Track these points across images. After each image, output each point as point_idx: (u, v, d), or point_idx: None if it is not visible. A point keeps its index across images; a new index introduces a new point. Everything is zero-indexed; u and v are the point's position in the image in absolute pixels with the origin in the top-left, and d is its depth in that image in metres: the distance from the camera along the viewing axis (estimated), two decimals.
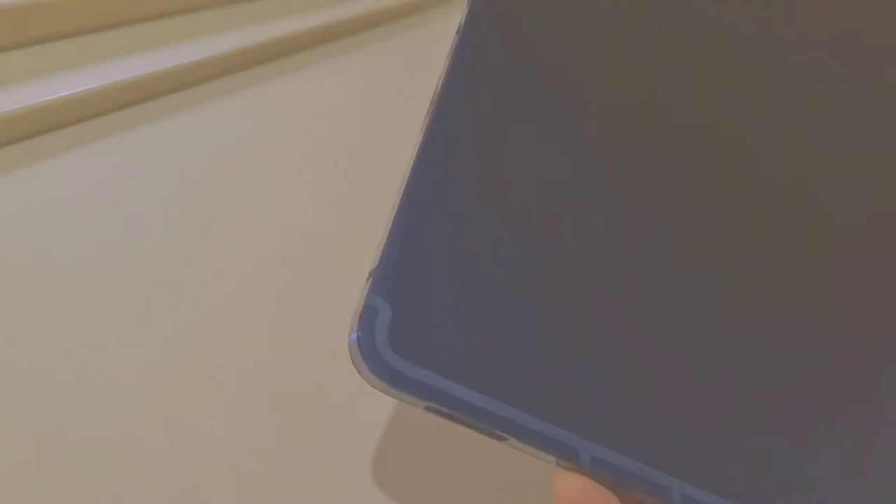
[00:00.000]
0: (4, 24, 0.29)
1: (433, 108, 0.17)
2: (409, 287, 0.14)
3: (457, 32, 0.18)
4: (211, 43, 0.36)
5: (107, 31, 0.33)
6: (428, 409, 0.13)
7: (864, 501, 0.17)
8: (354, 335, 0.13)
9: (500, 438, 0.14)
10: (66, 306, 0.23)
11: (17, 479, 0.18)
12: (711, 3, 0.21)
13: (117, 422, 0.20)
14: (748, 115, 0.20)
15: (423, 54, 0.49)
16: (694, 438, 0.15)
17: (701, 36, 0.21)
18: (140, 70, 0.32)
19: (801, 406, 0.17)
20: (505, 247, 0.15)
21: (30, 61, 0.30)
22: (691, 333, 0.17)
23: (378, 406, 0.24)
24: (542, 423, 0.14)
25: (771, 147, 0.20)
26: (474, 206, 0.16)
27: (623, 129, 0.19)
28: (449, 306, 0.14)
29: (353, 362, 0.13)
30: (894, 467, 0.17)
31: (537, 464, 0.15)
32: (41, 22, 0.31)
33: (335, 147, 0.36)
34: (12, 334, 0.22)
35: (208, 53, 0.35)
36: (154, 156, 0.30)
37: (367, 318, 0.13)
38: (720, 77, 0.21)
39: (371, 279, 0.14)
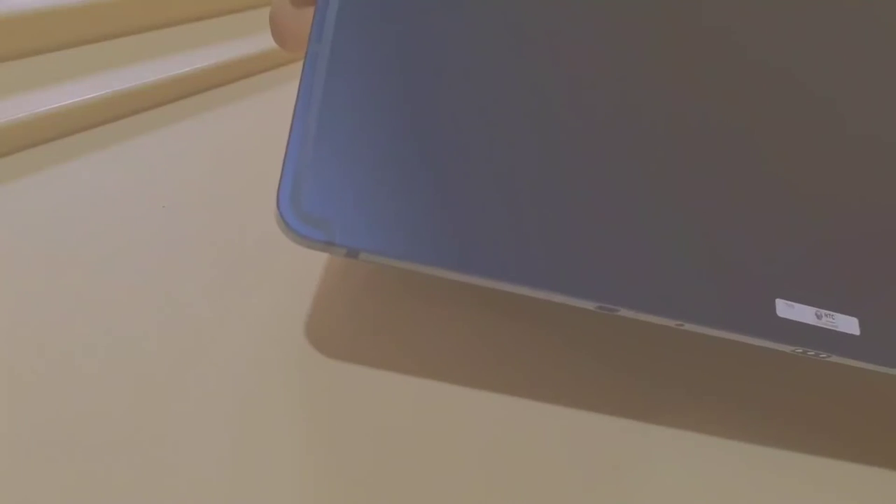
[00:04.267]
0: (6, 35, 0.29)
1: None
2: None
3: None
4: (216, 51, 0.36)
5: (111, 40, 0.34)
6: None
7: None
8: None
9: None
10: (71, 313, 0.24)
11: (18, 485, 0.19)
12: None
13: (118, 426, 0.21)
14: None
15: None
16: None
17: None
18: (144, 78, 0.32)
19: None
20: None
21: (32, 71, 0.30)
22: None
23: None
24: None
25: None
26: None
27: None
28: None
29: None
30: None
31: None
32: (44, 32, 0.31)
33: None
34: (17, 341, 0.22)
35: (213, 61, 0.35)
36: (158, 163, 0.31)
37: None
38: None
39: None
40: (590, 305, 0.19)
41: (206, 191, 0.30)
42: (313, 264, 0.29)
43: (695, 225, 0.20)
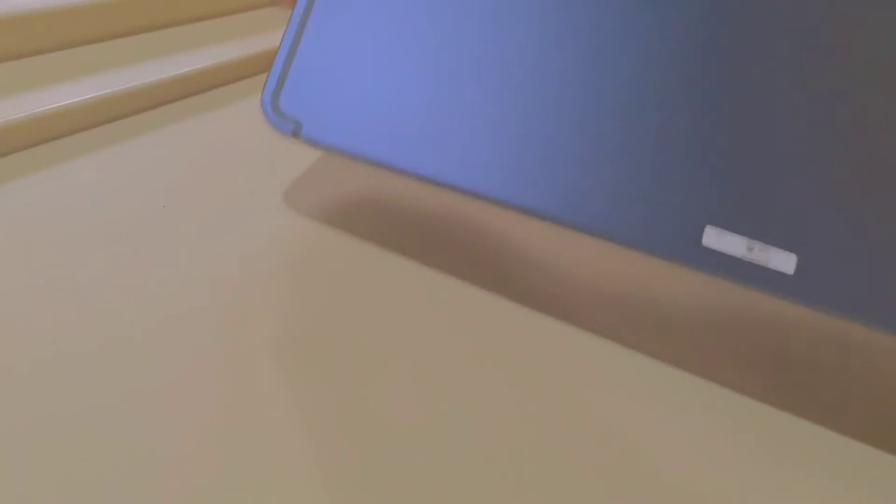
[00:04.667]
0: (6, 35, 0.29)
1: None
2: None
3: None
4: (216, 51, 0.37)
5: (111, 40, 0.34)
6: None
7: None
8: None
9: None
10: (70, 311, 0.24)
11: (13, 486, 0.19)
12: None
13: (112, 426, 0.21)
14: None
15: None
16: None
17: None
18: (144, 78, 0.32)
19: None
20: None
21: (32, 71, 0.30)
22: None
23: None
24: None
25: None
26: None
27: None
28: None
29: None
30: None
31: None
32: (44, 32, 0.31)
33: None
34: (18, 337, 0.22)
35: (213, 61, 0.35)
36: (158, 163, 0.31)
37: None
38: None
39: None
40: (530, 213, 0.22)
41: (206, 190, 0.30)
42: (315, 259, 0.29)
43: (635, 140, 0.21)
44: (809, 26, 0.22)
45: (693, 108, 0.21)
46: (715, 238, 0.20)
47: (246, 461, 0.21)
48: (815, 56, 0.22)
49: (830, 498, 0.21)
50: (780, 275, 0.20)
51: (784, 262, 0.20)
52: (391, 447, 0.23)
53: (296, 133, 0.24)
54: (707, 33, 0.22)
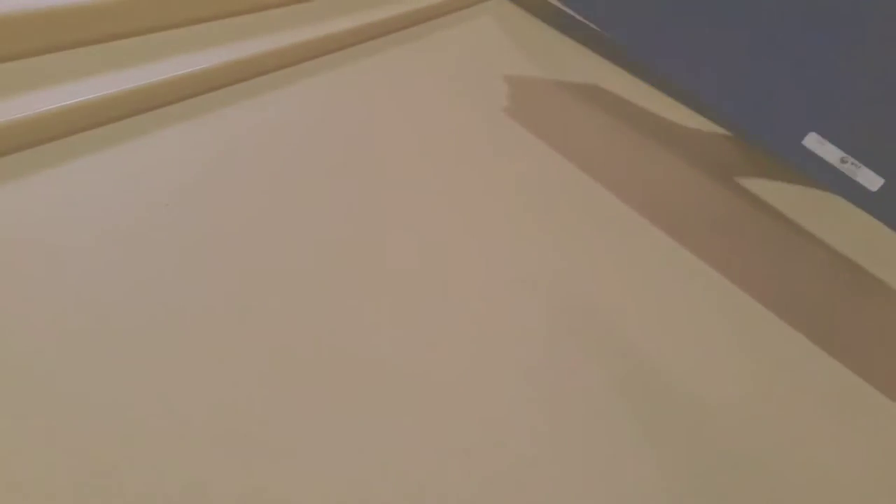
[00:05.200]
0: (6, 35, 0.29)
1: None
2: None
3: None
4: (216, 53, 0.36)
5: (112, 41, 0.34)
6: None
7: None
8: None
9: None
10: (71, 309, 0.24)
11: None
12: None
13: (112, 425, 0.21)
14: None
15: (436, 58, 0.49)
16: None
17: None
18: (144, 79, 0.32)
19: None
20: None
21: (33, 71, 0.30)
22: None
23: None
24: None
25: None
26: None
27: None
28: None
29: None
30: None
31: None
32: (44, 32, 0.31)
33: (348, 149, 0.35)
34: (19, 334, 0.22)
35: (213, 63, 0.35)
36: (159, 163, 0.31)
37: None
38: None
39: None
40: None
41: (206, 190, 0.30)
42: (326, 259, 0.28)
43: (782, 57, 0.26)
44: None
45: (836, 43, 0.26)
46: (815, 142, 0.24)
47: None
48: None
49: None
50: (863, 189, 0.24)
51: (870, 180, 0.23)
52: None
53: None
54: None
